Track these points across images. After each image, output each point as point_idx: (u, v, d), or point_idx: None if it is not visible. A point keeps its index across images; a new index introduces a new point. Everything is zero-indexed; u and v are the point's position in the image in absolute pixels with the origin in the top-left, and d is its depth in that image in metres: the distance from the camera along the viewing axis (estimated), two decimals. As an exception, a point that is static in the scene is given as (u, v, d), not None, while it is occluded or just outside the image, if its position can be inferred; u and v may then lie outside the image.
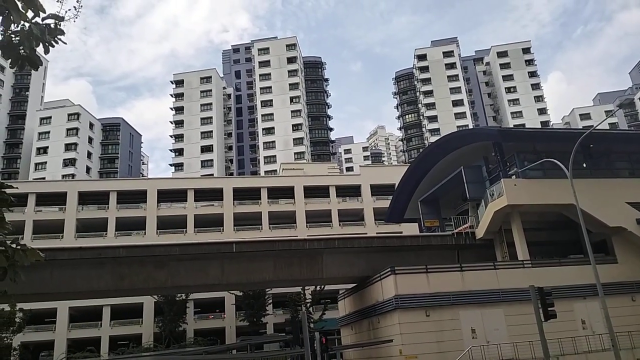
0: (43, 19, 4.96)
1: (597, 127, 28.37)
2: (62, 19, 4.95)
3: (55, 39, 5.02)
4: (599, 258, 25.21)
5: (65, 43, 5.14)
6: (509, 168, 28.76)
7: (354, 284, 32.64)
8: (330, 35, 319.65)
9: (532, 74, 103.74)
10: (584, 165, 27.89)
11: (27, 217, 53.24)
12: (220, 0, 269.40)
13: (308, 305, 48.72)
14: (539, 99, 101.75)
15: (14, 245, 5.29)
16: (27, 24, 4.89)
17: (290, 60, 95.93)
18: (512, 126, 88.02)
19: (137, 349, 45.15)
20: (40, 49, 5.14)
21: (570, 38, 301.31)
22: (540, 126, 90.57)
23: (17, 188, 5.98)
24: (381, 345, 26.29)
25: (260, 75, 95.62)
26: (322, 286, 45.90)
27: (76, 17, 4.98)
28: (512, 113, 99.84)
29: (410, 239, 30.11)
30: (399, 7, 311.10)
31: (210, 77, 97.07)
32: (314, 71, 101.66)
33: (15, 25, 4.87)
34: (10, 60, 5.11)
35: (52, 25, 4.97)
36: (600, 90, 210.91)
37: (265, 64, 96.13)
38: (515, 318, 24.52)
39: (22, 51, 5.02)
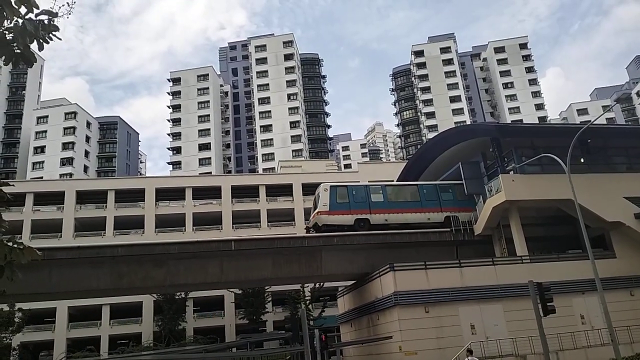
0: (36, 15, 4.92)
1: (594, 122, 28.39)
2: (55, 14, 4.91)
3: (50, 35, 4.98)
4: (598, 253, 25.23)
5: (60, 39, 5.10)
6: (506, 164, 28.73)
7: (353, 281, 32.64)
8: (327, 31, 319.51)
9: (529, 70, 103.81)
10: (582, 160, 27.83)
11: (25, 217, 53.12)
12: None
13: (307, 302, 48.75)
14: (536, 94, 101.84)
15: (10, 244, 5.25)
16: (20, 20, 4.84)
17: (287, 57, 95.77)
18: (509, 122, 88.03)
19: (136, 348, 45.14)
20: (34, 46, 5.09)
21: (567, 33, 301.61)
22: (537, 122, 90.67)
23: (13, 186, 5.94)
24: (381, 342, 26.32)
25: (257, 72, 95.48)
26: (321, 283, 45.91)
27: (69, 13, 4.94)
28: (509, 109, 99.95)
29: (409, 236, 30.04)
30: (396, 2, 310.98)
31: (207, 74, 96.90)
32: (311, 68, 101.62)
33: (8, 21, 4.82)
34: (4, 58, 5.06)
35: (46, 22, 4.93)
36: (597, 85, 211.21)
37: (262, 61, 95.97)
38: (515, 313, 24.54)
39: (16, 48, 4.97)
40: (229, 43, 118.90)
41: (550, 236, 30.03)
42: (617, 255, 27.70)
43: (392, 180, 37.27)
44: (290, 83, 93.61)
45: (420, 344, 23.87)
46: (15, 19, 4.82)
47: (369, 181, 58.51)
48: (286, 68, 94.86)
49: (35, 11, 4.90)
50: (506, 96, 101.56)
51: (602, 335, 24.16)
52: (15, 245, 5.27)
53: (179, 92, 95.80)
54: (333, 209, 29.03)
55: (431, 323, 24.42)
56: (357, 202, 29.53)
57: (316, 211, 29.47)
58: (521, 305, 23.48)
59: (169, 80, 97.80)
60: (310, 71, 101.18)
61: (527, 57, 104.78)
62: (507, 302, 25.20)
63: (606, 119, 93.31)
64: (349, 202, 29.40)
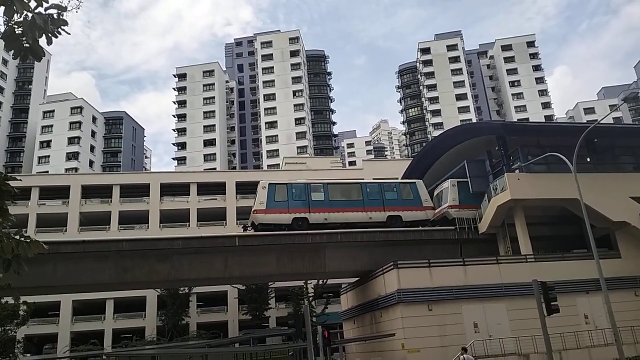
0: (45, 9, 4.93)
1: (601, 121, 28.25)
2: (64, 9, 4.93)
3: (58, 29, 4.99)
4: (602, 253, 25.11)
5: (69, 33, 5.11)
6: (512, 162, 28.65)
7: (357, 278, 32.66)
8: (333, 28, 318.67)
9: (537, 68, 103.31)
10: (588, 159, 27.75)
11: (31, 211, 53.43)
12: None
13: (310, 299, 48.83)
14: (543, 93, 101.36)
15: (17, 237, 5.29)
16: (29, 14, 4.85)
17: (293, 53, 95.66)
18: (515, 120, 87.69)
19: (140, 342, 45.38)
20: (43, 41, 5.11)
21: (575, 31, 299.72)
22: (544, 120, 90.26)
23: (20, 180, 5.98)
24: (383, 339, 26.34)
25: (262, 68, 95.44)
26: (325, 280, 45.97)
27: (78, 8, 4.95)
28: (515, 107, 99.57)
29: (413, 233, 30.03)
30: None
31: (213, 70, 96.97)
32: (317, 64, 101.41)
33: (18, 15, 4.84)
34: (13, 52, 5.08)
35: (55, 16, 4.94)
36: (604, 84, 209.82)
37: (268, 57, 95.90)
38: (518, 312, 24.49)
39: (25, 42, 4.98)
40: (235, 39, 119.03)
41: (555, 235, 29.93)
42: (622, 255, 27.59)
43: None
44: (296, 80, 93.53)
45: (423, 341, 23.88)
46: (25, 12, 4.83)
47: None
48: (292, 64, 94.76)
49: (45, 5, 4.91)
50: (513, 94, 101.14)
51: (606, 335, 24.06)
52: (22, 239, 5.31)
53: (184, 88, 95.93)
54: (270, 207, 28.52)
55: (434, 321, 24.40)
56: (296, 201, 29.16)
57: (252, 209, 29.05)
58: (525, 304, 23.42)
59: (174, 75, 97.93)
60: (316, 68, 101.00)
61: (534, 56, 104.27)
62: (510, 301, 25.16)
63: (613, 118, 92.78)
64: (287, 200, 28.99)
